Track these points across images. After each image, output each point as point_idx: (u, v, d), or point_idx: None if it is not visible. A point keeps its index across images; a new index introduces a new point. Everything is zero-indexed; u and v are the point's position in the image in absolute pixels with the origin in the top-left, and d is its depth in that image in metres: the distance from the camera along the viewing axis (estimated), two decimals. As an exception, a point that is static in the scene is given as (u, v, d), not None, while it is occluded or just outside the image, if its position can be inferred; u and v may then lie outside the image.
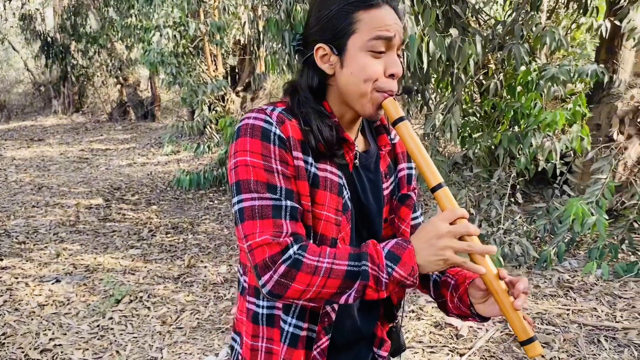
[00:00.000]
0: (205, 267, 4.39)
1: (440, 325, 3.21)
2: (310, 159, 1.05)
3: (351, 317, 1.17)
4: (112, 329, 3.32)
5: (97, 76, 14.16)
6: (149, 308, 3.62)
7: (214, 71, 9.66)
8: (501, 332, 3.11)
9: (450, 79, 4.29)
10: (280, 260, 0.95)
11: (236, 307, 1.23)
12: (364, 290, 0.97)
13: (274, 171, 1.00)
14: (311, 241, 1.05)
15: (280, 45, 5.67)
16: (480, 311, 1.09)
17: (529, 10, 4.04)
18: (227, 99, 9.59)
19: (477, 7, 4.30)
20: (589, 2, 4.30)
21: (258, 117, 1.03)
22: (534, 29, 3.95)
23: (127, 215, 5.95)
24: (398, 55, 1.08)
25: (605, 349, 2.85)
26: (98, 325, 3.36)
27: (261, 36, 7.85)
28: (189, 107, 10.06)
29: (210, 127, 8.98)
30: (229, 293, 3.87)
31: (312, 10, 1.09)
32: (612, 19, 4.24)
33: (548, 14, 4.76)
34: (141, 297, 3.77)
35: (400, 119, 1.05)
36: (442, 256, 0.95)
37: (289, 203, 1.00)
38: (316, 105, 1.07)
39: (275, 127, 1.02)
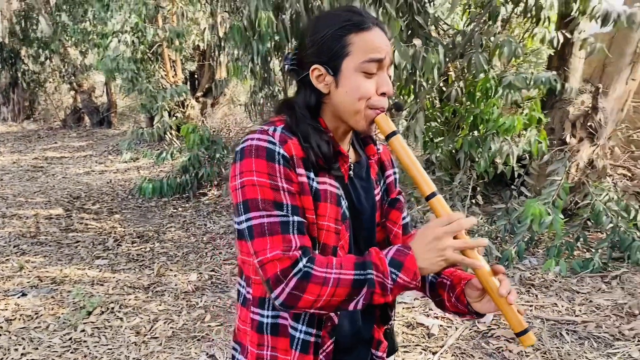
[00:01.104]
0: (175, 275, 4.38)
1: (412, 325, 3.33)
2: (311, 174, 1.11)
3: (353, 320, 1.24)
4: (85, 341, 3.28)
5: (50, 82, 13.75)
6: (121, 319, 3.59)
7: (173, 77, 9.57)
8: (470, 329, 3.25)
9: (413, 87, 4.44)
10: (292, 274, 1.02)
11: (236, 317, 1.29)
12: (371, 296, 1.04)
13: (280, 189, 1.07)
14: (316, 251, 1.12)
15: (243, 52, 5.70)
16: (477, 309, 1.18)
17: (487, 20, 4.23)
18: (187, 105, 9.51)
19: (436, 16, 4.46)
20: (541, 13, 4.53)
21: (261, 138, 1.09)
22: (492, 38, 4.14)
23: (90, 225, 5.85)
24: (388, 74, 1.17)
25: (567, 342, 3.02)
26: (70, 338, 3.32)
27: (222, 42, 7.87)
28: (148, 114, 9.92)
29: (171, 134, 8.90)
30: (201, 301, 3.88)
31: (306, 33, 1.16)
32: (563, 31, 4.47)
33: (502, 24, 4.97)
34: (112, 308, 3.74)
35: (393, 133, 1.13)
36: (442, 256, 1.03)
37: (295, 218, 1.07)
38: (313, 123, 1.14)
39: (279, 147, 1.08)
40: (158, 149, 9.63)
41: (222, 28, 7.61)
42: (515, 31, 5.79)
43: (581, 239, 4.31)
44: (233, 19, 5.74)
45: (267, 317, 1.18)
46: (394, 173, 1.33)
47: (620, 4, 4.73)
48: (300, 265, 1.03)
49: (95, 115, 13.06)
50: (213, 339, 3.30)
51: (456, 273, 1.27)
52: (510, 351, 2.96)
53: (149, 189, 6.87)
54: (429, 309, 3.52)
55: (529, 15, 4.33)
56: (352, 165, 1.22)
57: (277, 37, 4.59)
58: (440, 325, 3.31)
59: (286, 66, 1.21)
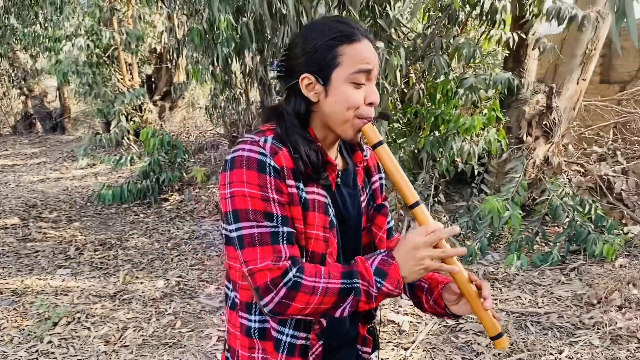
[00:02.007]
0: (141, 282, 4.31)
1: (383, 323, 3.39)
2: (301, 185, 1.13)
3: (340, 322, 1.27)
4: (52, 352, 3.20)
5: (-2, 87, 13.29)
6: (89, 328, 3.52)
7: (129, 80, 9.41)
8: (439, 324, 3.33)
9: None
10: (282, 284, 1.05)
11: (226, 320, 1.30)
12: (357, 304, 1.09)
13: (271, 200, 1.09)
14: (304, 259, 1.14)
15: (203, 55, 5.65)
16: (454, 311, 1.24)
17: (446, 23, 4.34)
18: (145, 109, 9.36)
19: (397, 19, 4.54)
20: (496, 15, 4.68)
21: (252, 149, 1.10)
22: (451, 41, 4.25)
23: (49, 234, 5.68)
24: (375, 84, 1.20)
25: (532, 333, 3.14)
26: (37, 351, 3.22)
27: (180, 45, 7.77)
28: (104, 118, 9.72)
29: (128, 139, 8.74)
30: (170, 307, 3.83)
31: (296, 42, 1.18)
32: (518, 32, 4.63)
33: (459, 27, 5.11)
34: (79, 318, 3.65)
35: (380, 143, 1.17)
36: (422, 265, 1.09)
37: (285, 229, 1.09)
38: (303, 132, 1.16)
39: (270, 159, 1.09)
40: (115, 155, 9.45)
41: (181, 31, 7.52)
42: (470, 34, 5.96)
43: (540, 234, 4.48)
44: (192, 21, 5.68)
45: (255, 321, 1.20)
46: (380, 179, 1.36)
47: (570, 4, 4.93)
48: (290, 275, 1.06)
49: (47, 121, 12.68)
50: (185, 345, 3.27)
51: (434, 276, 1.32)
52: (478, 344, 3.05)
53: (108, 196, 6.73)
54: (399, 306, 3.59)
55: (484, 18, 4.47)
56: (339, 173, 1.24)
57: (238, 40, 4.58)
58: (410, 322, 3.38)
59: (273, 72, 1.22)
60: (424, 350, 3.05)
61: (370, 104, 1.16)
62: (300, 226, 1.13)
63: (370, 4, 4.04)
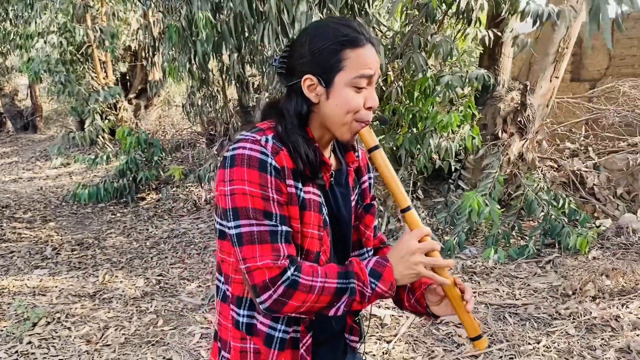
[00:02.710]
0: (121, 282, 4.28)
1: (365, 317, 3.42)
2: (299, 185, 1.16)
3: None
4: (33, 353, 3.16)
5: (-34, 85, 12.96)
6: (69, 328, 3.48)
7: (104, 78, 9.28)
8: (419, 318, 3.39)
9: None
10: (280, 282, 1.08)
11: (217, 312, 1.32)
12: (351, 303, 1.12)
13: (270, 199, 1.10)
14: (299, 257, 1.17)
15: (181, 52, 5.62)
16: (435, 311, 1.28)
17: (424, 21, 4.41)
18: (120, 107, 9.26)
19: (375, 17, 4.60)
20: (472, 14, 4.77)
21: (254, 148, 1.11)
22: (429, 39, 4.32)
23: (24, 234, 5.59)
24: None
25: (511, 324, 3.22)
26: (17, 352, 3.18)
27: (156, 43, 7.70)
28: (77, 117, 9.58)
29: (103, 137, 8.64)
30: (151, 306, 3.81)
31: (301, 41, 1.19)
32: (494, 30, 4.73)
33: (437, 25, 5.19)
34: (59, 318, 3.61)
35: (376, 147, 1.20)
36: (414, 270, 1.13)
37: (284, 228, 1.11)
38: (302, 133, 1.18)
39: (271, 158, 1.11)
40: (90, 154, 9.32)
41: (157, 28, 7.46)
42: (447, 32, 6.05)
43: (516, 228, 4.58)
44: (170, 18, 5.64)
45: (243, 316, 1.22)
46: (369, 178, 1.39)
47: (543, 2, 5.04)
48: (289, 273, 1.08)
49: (18, 120, 12.43)
50: (168, 343, 3.27)
51: None
52: (459, 336, 3.12)
53: (84, 195, 6.65)
54: (380, 300, 3.64)
55: (460, 16, 4.55)
56: (333, 173, 1.26)
57: (217, 38, 4.58)
58: (392, 315, 3.43)
59: (274, 67, 1.23)
60: (406, 343, 3.10)
61: (370, 108, 1.18)
62: (296, 225, 1.15)
63: (349, 2, 4.09)
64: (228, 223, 1.12)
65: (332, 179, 1.25)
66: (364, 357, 1.49)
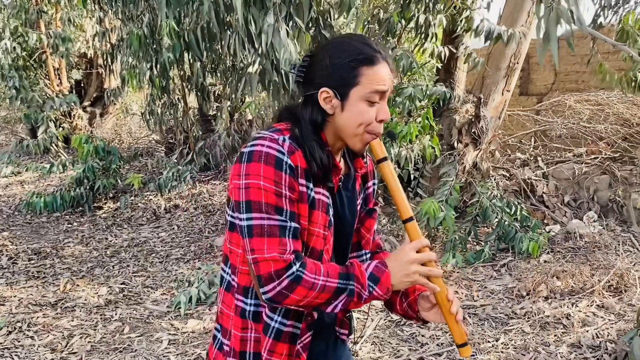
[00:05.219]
0: (83, 290, 4.23)
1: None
2: (310, 185, 1.24)
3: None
4: (-4, 363, 3.11)
5: None
6: (32, 337, 3.43)
7: (58, 85, 9.09)
8: (384, 319, 3.52)
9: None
10: (285, 275, 1.15)
11: (219, 300, 1.39)
12: (348, 303, 1.21)
13: (283, 196, 1.18)
14: (304, 254, 1.25)
15: (142, 60, 5.60)
16: (425, 317, 1.37)
17: (385, 35, 4.58)
18: (75, 115, 9.08)
19: (340, 32, 4.75)
20: (429, 29, 4.99)
21: (272, 146, 1.19)
22: (390, 52, 4.49)
23: (-24, 244, 5.42)
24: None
25: (470, 324, 3.39)
26: (-22, 361, 3.12)
27: (115, 50, 7.62)
28: (29, 124, 9.33)
29: (57, 145, 8.45)
30: (116, 314, 3.79)
31: (321, 55, 1.27)
32: (449, 46, 4.96)
33: (396, 39, 5.38)
34: (20, 327, 3.55)
35: (384, 159, 1.29)
36: (411, 278, 1.22)
37: (292, 224, 1.19)
38: (318, 138, 1.26)
39: (287, 157, 1.19)
40: (42, 162, 9.09)
41: (114, 35, 7.38)
42: (404, 46, 6.27)
43: (472, 234, 4.79)
44: (131, 26, 5.62)
45: (250, 305, 1.29)
46: (374, 184, 1.48)
47: (495, 21, 5.32)
48: (294, 268, 1.16)
49: (-37, 127, 11.96)
50: (136, 350, 3.27)
51: None
52: (422, 336, 3.26)
53: (39, 204, 6.48)
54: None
55: (418, 31, 4.75)
56: (342, 177, 1.35)
57: (182, 47, 4.61)
58: (358, 318, 3.54)
59: (294, 76, 1.30)
60: (372, 344, 3.21)
61: (381, 121, 1.26)
62: (304, 223, 1.23)
63: (315, 16, 4.21)
64: (240, 215, 1.19)
65: (340, 183, 1.33)
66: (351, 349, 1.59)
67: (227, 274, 1.34)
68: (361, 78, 1.22)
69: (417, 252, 1.24)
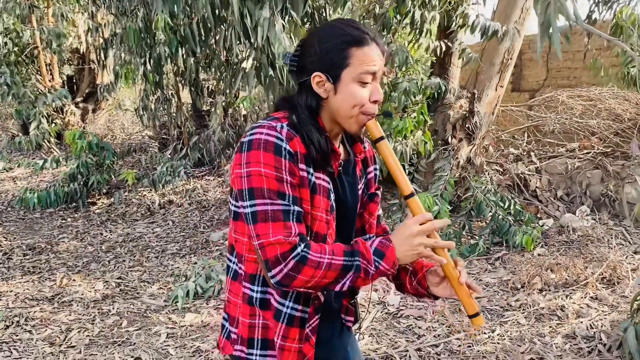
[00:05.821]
0: (79, 285, 4.22)
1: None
2: (311, 170, 1.26)
3: (330, 296, 1.41)
4: (-6, 357, 3.10)
5: None
6: (30, 331, 3.43)
7: (50, 81, 9.04)
8: (381, 312, 3.55)
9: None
10: (291, 257, 1.17)
11: (226, 289, 1.41)
12: (356, 280, 1.21)
13: (284, 181, 1.20)
14: (309, 238, 1.27)
15: (136, 55, 5.58)
16: (435, 292, 1.38)
17: (381, 30, 4.60)
18: (67, 111, 9.03)
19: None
20: (425, 25, 5.01)
21: (270, 133, 1.21)
22: (386, 47, 4.51)
23: (-30, 240, 5.39)
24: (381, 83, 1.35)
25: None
26: (-24, 356, 3.11)
27: (107, 45, 7.58)
28: (21, 120, 9.27)
29: (49, 141, 8.40)
30: (113, 308, 3.79)
31: (311, 42, 1.30)
32: (445, 41, 4.99)
33: (392, 34, 5.40)
34: (18, 322, 3.54)
35: (381, 138, 1.30)
36: (416, 250, 1.22)
37: (295, 208, 1.21)
38: (315, 123, 1.28)
39: (286, 143, 1.21)
40: (34, 158, 9.04)
41: (107, 30, 7.35)
42: (399, 41, 6.29)
43: (466, 227, 4.83)
44: (126, 20, 5.59)
45: (257, 292, 1.31)
46: (375, 169, 1.50)
47: (488, 17, 5.35)
48: (299, 249, 1.17)
49: (-47, 123, 11.85)
50: (135, 343, 3.27)
51: (418, 260, 1.45)
52: (419, 327, 3.29)
53: (33, 200, 6.46)
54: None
55: (414, 27, 4.77)
56: (342, 162, 1.37)
57: (177, 41, 4.60)
58: (355, 311, 3.56)
59: (286, 65, 1.33)
60: (369, 336, 3.24)
61: (375, 101, 1.28)
62: (307, 207, 1.25)
63: (310, 10, 4.22)
64: (244, 202, 1.21)
65: (340, 168, 1.35)
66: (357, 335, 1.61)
67: (234, 263, 1.36)
68: (351, 59, 1.24)
69: (420, 224, 1.23)
